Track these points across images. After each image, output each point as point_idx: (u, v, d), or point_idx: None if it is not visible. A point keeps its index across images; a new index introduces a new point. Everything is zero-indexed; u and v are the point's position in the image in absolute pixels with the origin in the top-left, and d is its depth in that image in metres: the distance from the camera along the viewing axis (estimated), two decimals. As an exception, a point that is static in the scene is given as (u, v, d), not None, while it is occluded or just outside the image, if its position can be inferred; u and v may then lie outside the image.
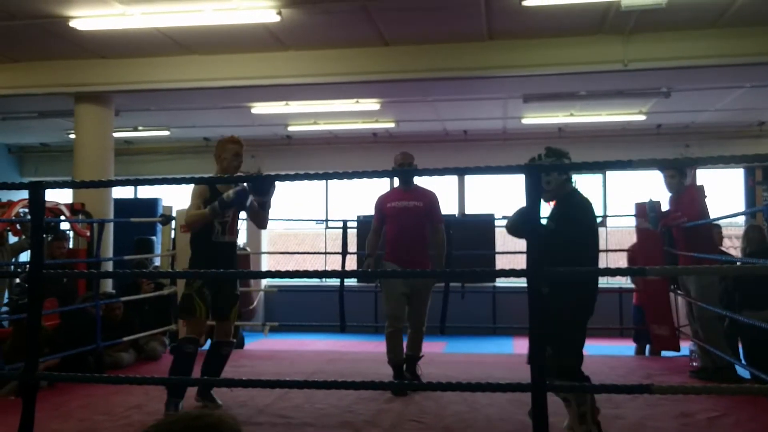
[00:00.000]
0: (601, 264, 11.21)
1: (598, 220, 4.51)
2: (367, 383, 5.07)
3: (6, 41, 7.33)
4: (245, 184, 4.36)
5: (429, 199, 5.26)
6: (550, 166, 3.67)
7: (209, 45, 7.39)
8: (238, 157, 4.43)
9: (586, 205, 3.78)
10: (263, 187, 4.39)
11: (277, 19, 6.40)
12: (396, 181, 5.85)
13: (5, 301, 7.16)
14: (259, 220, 4.56)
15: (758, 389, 3.78)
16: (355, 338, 9.81)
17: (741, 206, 11.27)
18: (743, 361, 5.36)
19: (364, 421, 4.28)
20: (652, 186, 6.61)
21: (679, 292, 6.04)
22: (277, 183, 4.55)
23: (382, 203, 5.29)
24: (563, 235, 3.58)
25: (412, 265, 4.99)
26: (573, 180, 3.80)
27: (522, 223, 3.60)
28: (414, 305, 5.19)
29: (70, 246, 8.01)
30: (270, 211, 4.56)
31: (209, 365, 4.48)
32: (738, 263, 5.98)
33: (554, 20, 6.64)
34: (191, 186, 4.46)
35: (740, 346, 5.66)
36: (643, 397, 4.51)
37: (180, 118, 10.55)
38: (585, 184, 11.96)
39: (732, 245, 6.40)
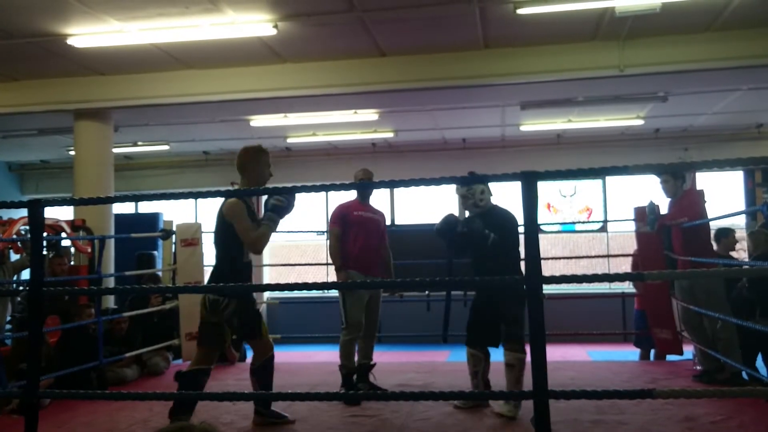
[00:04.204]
0: (603, 269, 11.05)
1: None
2: (371, 394, 5.11)
3: (4, 60, 7.37)
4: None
5: (383, 216, 5.45)
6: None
7: (206, 59, 7.43)
8: (269, 167, 4.25)
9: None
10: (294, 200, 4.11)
11: (273, 32, 6.43)
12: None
13: (8, 318, 7.15)
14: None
15: (760, 391, 3.77)
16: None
17: (742, 208, 11.25)
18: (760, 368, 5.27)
19: (368, 431, 4.28)
20: (652, 190, 6.62)
21: (675, 297, 6.02)
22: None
23: (346, 211, 5.28)
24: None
25: (374, 274, 5.18)
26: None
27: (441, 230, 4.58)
28: (371, 313, 5.25)
29: (72, 262, 8.01)
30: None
31: (266, 381, 4.29)
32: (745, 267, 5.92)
33: (549, 28, 6.67)
34: (190, 201, 4.41)
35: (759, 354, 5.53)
36: (647, 402, 4.51)
37: (179, 132, 10.57)
38: (586, 189, 11.97)
39: (740, 248, 6.36)
